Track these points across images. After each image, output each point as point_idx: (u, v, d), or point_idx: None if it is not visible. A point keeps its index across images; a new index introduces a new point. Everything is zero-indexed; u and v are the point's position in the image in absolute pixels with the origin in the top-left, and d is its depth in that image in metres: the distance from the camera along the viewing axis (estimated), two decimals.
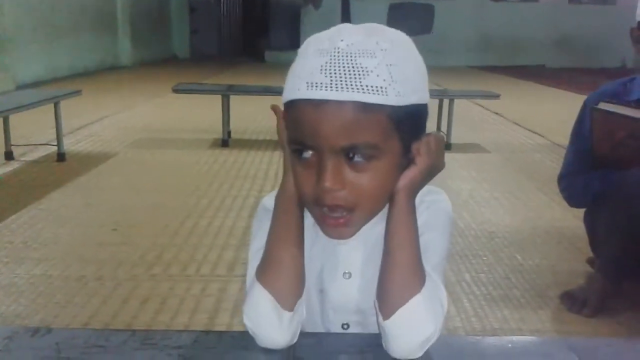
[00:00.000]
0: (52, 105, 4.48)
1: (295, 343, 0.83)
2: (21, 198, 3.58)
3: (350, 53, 0.74)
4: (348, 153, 0.76)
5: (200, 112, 6.63)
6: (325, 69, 0.74)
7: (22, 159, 4.56)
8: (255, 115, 6.42)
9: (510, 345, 0.85)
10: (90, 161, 4.56)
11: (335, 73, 0.73)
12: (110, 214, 3.36)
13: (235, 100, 5.49)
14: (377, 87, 0.73)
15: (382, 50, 0.75)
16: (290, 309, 0.82)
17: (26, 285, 2.46)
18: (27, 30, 8.93)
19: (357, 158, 0.76)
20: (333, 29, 0.79)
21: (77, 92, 4.86)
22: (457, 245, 3.00)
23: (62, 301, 2.34)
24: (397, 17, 15.32)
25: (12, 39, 8.34)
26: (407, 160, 0.81)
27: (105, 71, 11.56)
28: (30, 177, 4.10)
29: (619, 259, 2.25)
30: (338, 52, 0.74)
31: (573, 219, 3.28)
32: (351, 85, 0.73)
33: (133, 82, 10.26)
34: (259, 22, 17.58)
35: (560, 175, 2.56)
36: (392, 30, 0.81)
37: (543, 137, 5.91)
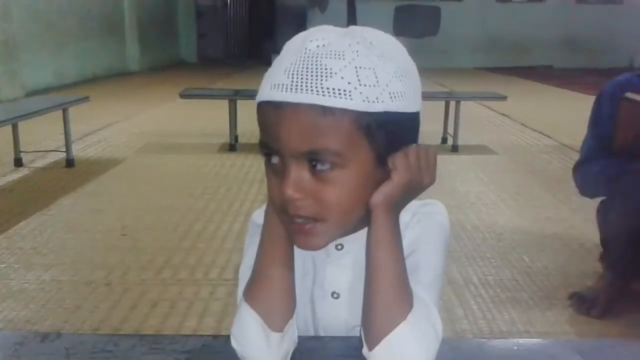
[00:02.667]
0: (61, 111, 4.51)
1: (299, 348, 0.81)
2: (30, 204, 3.61)
3: (317, 54, 0.70)
4: (311, 160, 0.71)
5: (207, 117, 6.65)
6: (289, 70, 0.70)
7: (32, 165, 4.59)
8: None
9: (515, 347, 0.85)
10: (99, 167, 4.59)
11: (296, 74, 0.69)
12: (119, 219, 3.38)
13: (242, 104, 5.51)
14: (339, 90, 0.68)
15: (353, 51, 0.70)
16: (279, 329, 0.77)
17: (36, 291, 2.48)
18: (36, 37, 8.98)
19: (319, 166, 0.71)
20: (310, 29, 0.75)
21: (86, 99, 4.90)
22: (465, 248, 3.00)
23: (72, 306, 2.36)
24: (404, 19, 15.32)
25: (20, 45, 8.39)
26: (383, 172, 0.74)
27: (114, 77, 11.61)
28: (39, 184, 4.12)
29: (630, 257, 2.25)
30: (305, 53, 0.70)
31: (581, 221, 3.27)
32: (310, 87, 0.68)
33: (141, 88, 10.31)
34: (265, 26, 17.62)
35: (575, 165, 2.54)
36: (379, 33, 0.76)
37: (550, 138, 5.89)
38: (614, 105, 2.33)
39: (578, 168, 2.53)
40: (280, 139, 0.71)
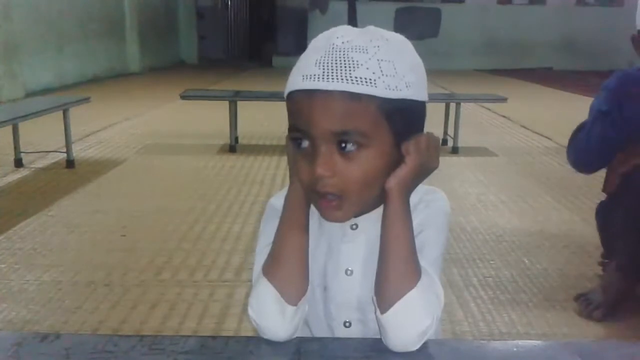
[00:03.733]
0: (61, 112, 4.51)
1: (300, 349, 0.83)
2: (31, 205, 3.61)
3: (344, 49, 0.80)
4: (340, 142, 0.81)
5: (207, 118, 6.65)
6: (319, 62, 0.80)
7: (32, 166, 4.59)
8: (262, 120, 6.44)
9: (515, 349, 0.85)
10: (99, 168, 4.59)
11: (327, 65, 0.80)
12: (119, 220, 3.38)
13: (242, 105, 5.51)
14: (365, 78, 0.79)
15: (374, 47, 0.81)
16: (294, 303, 0.86)
17: (36, 292, 2.48)
18: (36, 38, 8.99)
19: (348, 147, 0.81)
20: (332, 29, 0.85)
21: (86, 99, 4.89)
22: (465, 249, 3.00)
23: (72, 307, 2.36)
24: (404, 21, 15.32)
25: (21, 46, 8.39)
26: (398, 155, 0.84)
27: (114, 78, 11.61)
28: (39, 184, 4.12)
29: (638, 259, 2.24)
30: (332, 48, 0.81)
31: (581, 222, 3.27)
32: (340, 76, 0.79)
33: (141, 89, 10.31)
34: (266, 27, 17.64)
35: (571, 135, 2.44)
36: (390, 32, 0.86)
37: (551, 140, 5.89)
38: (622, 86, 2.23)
39: (574, 136, 2.39)
40: (312, 122, 0.81)
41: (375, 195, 0.87)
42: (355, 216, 0.90)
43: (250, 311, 0.88)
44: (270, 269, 0.88)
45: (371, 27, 0.86)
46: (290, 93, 0.84)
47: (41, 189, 3.99)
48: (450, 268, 2.74)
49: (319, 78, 0.80)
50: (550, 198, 3.93)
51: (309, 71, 0.81)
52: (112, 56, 12.06)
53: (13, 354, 0.80)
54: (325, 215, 0.86)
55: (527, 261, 2.88)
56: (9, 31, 8.08)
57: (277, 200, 0.95)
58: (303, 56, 0.85)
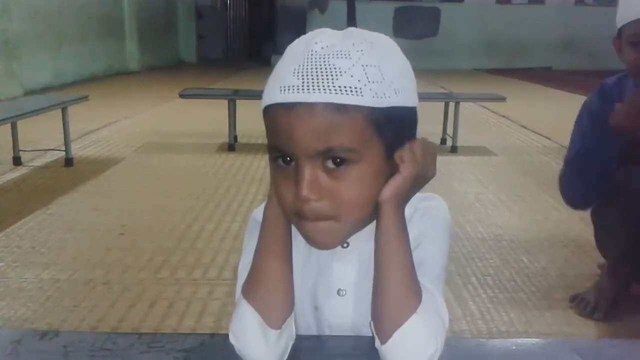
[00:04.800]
0: (60, 110, 4.50)
1: (297, 346, 0.82)
2: (29, 203, 3.61)
3: (324, 55, 0.72)
4: (325, 159, 0.73)
5: (206, 117, 6.65)
6: (298, 72, 0.72)
7: (30, 164, 4.59)
8: (261, 119, 6.40)
9: (514, 347, 0.85)
10: (97, 166, 4.59)
11: (306, 75, 0.71)
12: (118, 219, 3.37)
13: (241, 104, 5.51)
14: (350, 87, 0.71)
15: (358, 51, 0.73)
16: (277, 327, 0.78)
17: (34, 290, 2.48)
18: (35, 36, 8.97)
19: (334, 164, 0.73)
20: (310, 32, 0.77)
21: (85, 98, 4.89)
22: (464, 248, 3.00)
23: (70, 305, 2.36)
24: (403, 20, 15.32)
25: (19, 45, 8.38)
26: (390, 167, 0.77)
27: (113, 77, 11.60)
28: (38, 182, 4.12)
29: (630, 260, 2.24)
30: (312, 55, 0.72)
31: (580, 222, 3.26)
32: (323, 86, 0.70)
33: (140, 88, 10.30)
34: (265, 26, 17.62)
35: (561, 171, 2.47)
36: (374, 33, 0.78)
37: (550, 139, 5.89)
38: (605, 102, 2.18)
39: (562, 173, 2.44)
40: (294, 139, 0.72)
41: (371, 213, 0.78)
42: (352, 234, 0.82)
43: (231, 338, 0.80)
44: (249, 290, 0.80)
45: (353, 29, 0.78)
46: (267, 107, 0.76)
47: (40, 187, 3.99)
48: (450, 267, 2.74)
49: (298, 89, 0.71)
50: (549, 197, 3.93)
51: (286, 82, 0.72)
52: (111, 55, 12.05)
53: (12, 351, 0.80)
54: (313, 242, 0.78)
55: (526, 260, 2.88)
56: (8, 30, 8.07)
57: (261, 212, 0.85)
58: (279, 65, 0.76)
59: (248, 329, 0.78)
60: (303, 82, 0.71)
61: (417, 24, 15.43)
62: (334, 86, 0.70)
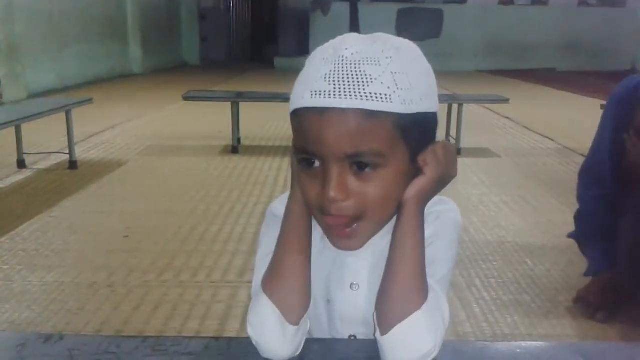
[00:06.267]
0: (64, 113, 4.52)
1: (304, 349, 0.83)
2: (33, 206, 3.61)
3: (355, 61, 0.74)
4: (353, 162, 0.75)
5: (210, 119, 6.66)
6: (329, 77, 0.74)
7: (34, 167, 4.60)
8: (264, 121, 6.44)
9: (518, 350, 0.85)
10: (101, 169, 4.60)
11: (338, 81, 0.73)
12: (122, 221, 3.38)
13: (244, 107, 5.52)
14: (381, 94, 0.73)
15: (387, 58, 0.75)
16: (296, 323, 0.81)
17: (38, 293, 2.49)
18: (39, 39, 9.00)
19: (362, 167, 0.76)
20: (339, 38, 0.79)
21: (89, 101, 4.90)
22: (468, 250, 3.00)
23: (74, 308, 2.36)
24: (406, 22, 15.32)
25: (23, 47, 8.41)
26: (414, 169, 0.80)
27: (116, 79, 11.63)
28: (42, 185, 4.13)
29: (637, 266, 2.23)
30: (342, 60, 0.74)
31: None
32: (355, 92, 0.73)
33: (144, 90, 10.32)
34: (268, 29, 17.66)
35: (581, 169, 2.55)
36: (399, 39, 0.80)
37: (553, 140, 5.88)
38: (624, 110, 2.25)
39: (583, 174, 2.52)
40: (324, 142, 0.75)
41: (392, 214, 0.81)
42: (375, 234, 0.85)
43: (249, 329, 0.82)
44: (270, 285, 0.83)
45: (380, 35, 0.80)
46: (297, 110, 0.78)
47: (44, 190, 4.00)
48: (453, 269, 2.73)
49: (330, 95, 0.73)
50: (553, 199, 3.93)
51: (318, 87, 0.74)
52: (114, 58, 12.08)
53: (16, 354, 0.80)
54: (337, 243, 0.82)
55: (530, 262, 2.87)
56: (12, 32, 8.10)
57: (278, 207, 0.89)
58: (308, 68, 0.78)
59: (267, 323, 0.81)
60: (335, 88, 0.73)
61: (419, 26, 15.43)
62: (365, 93, 0.73)
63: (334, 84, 0.73)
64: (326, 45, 0.79)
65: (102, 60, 11.42)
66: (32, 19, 8.79)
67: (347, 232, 0.80)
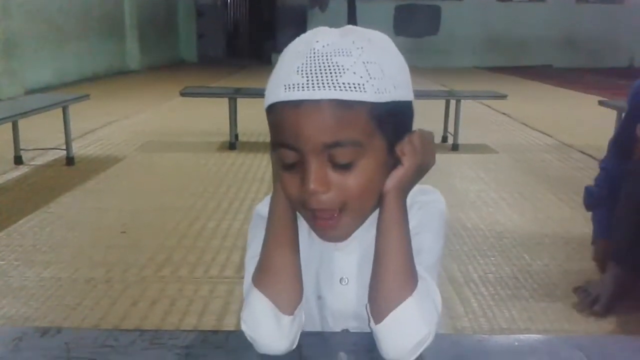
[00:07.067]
0: (61, 109, 4.51)
1: (300, 342, 0.83)
2: (30, 202, 3.61)
3: (326, 53, 0.75)
4: (331, 154, 0.76)
5: (207, 115, 6.65)
6: (302, 70, 0.74)
7: (32, 163, 4.59)
8: (262, 117, 6.34)
9: (517, 343, 0.85)
10: (98, 165, 4.59)
11: (311, 73, 0.74)
12: (119, 217, 3.37)
13: (242, 103, 5.51)
14: (354, 84, 0.74)
15: (358, 48, 0.75)
16: (290, 312, 0.81)
17: (36, 288, 2.48)
18: (35, 35, 8.98)
19: (340, 158, 0.76)
20: (309, 32, 0.80)
21: (86, 97, 4.89)
22: (465, 246, 3.00)
23: (72, 303, 2.36)
24: (404, 19, 15.31)
25: (20, 44, 8.39)
26: (393, 159, 0.80)
27: (114, 76, 11.61)
28: (39, 181, 4.12)
29: (635, 248, 2.26)
30: (314, 53, 0.75)
31: (582, 219, 3.27)
32: (327, 83, 0.73)
33: (141, 87, 10.31)
34: (265, 25, 17.63)
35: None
36: (369, 30, 0.81)
37: (551, 137, 5.89)
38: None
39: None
40: (302, 135, 0.75)
41: (374, 205, 0.82)
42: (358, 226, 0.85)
43: (243, 326, 0.82)
44: (260, 280, 0.83)
45: (351, 27, 0.81)
46: (272, 105, 0.78)
47: (41, 186, 3.99)
48: (451, 264, 2.74)
49: (303, 87, 0.74)
50: (551, 195, 3.93)
51: (291, 80, 0.75)
52: (111, 54, 12.06)
53: (13, 348, 0.80)
54: (322, 235, 0.82)
55: (527, 257, 2.87)
56: (9, 29, 8.07)
57: (264, 208, 0.89)
58: (281, 63, 0.79)
59: (260, 317, 0.81)
60: (308, 80, 0.74)
61: (417, 22, 15.43)
62: (338, 83, 0.73)
63: (307, 77, 0.74)
64: (297, 40, 0.80)
65: (99, 57, 11.40)
66: (29, 15, 8.77)
67: (330, 223, 0.79)
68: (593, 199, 2.66)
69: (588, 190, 2.71)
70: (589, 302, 2.32)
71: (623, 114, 2.74)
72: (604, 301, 2.29)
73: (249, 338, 0.82)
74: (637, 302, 2.37)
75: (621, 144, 2.58)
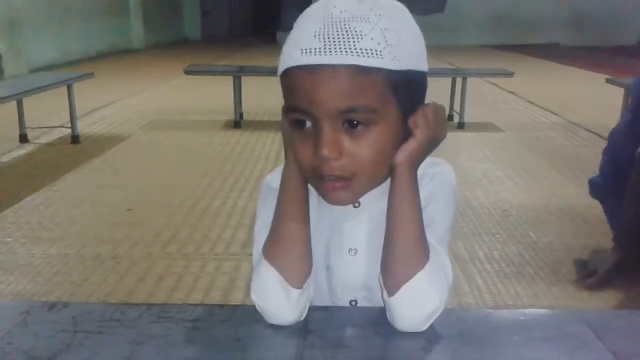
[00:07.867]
0: (66, 88, 4.50)
1: (306, 316, 0.83)
2: (36, 180, 3.62)
3: (344, 18, 0.74)
4: (345, 120, 0.75)
5: (212, 94, 6.63)
6: (319, 35, 0.74)
7: (37, 141, 4.59)
8: (267, 96, 6.40)
9: (522, 317, 0.85)
10: (104, 143, 4.59)
11: (329, 38, 0.73)
12: (125, 195, 3.38)
13: (246, 81, 5.49)
14: (371, 49, 0.73)
15: (375, 15, 0.75)
16: (299, 286, 0.81)
17: (42, 265, 2.50)
18: (40, 14, 8.93)
19: (354, 124, 0.76)
20: None
21: (90, 75, 4.88)
22: (471, 223, 3.00)
23: (78, 280, 2.37)
24: None
25: (24, 22, 8.35)
26: (405, 130, 0.80)
27: (118, 54, 11.56)
28: (44, 159, 4.13)
29: (635, 229, 2.26)
30: (332, 18, 0.74)
31: (587, 197, 3.26)
32: (345, 48, 0.72)
33: (145, 65, 10.27)
34: (270, 3, 17.47)
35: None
36: (386, 0, 0.80)
37: (557, 115, 5.85)
38: None
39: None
40: (316, 100, 0.75)
41: (384, 174, 0.82)
42: (367, 192, 0.85)
43: (253, 296, 0.83)
44: (271, 252, 0.83)
45: None
46: (287, 70, 0.77)
47: (46, 165, 4.00)
48: (456, 242, 2.74)
49: (321, 51, 0.73)
50: (557, 173, 3.92)
51: (308, 44, 0.74)
52: (115, 32, 12.00)
53: (21, 322, 0.80)
54: (329, 198, 0.81)
55: (533, 235, 2.87)
56: (12, 7, 8.03)
57: (274, 179, 0.89)
58: (297, 28, 0.78)
59: (270, 289, 0.81)
60: (325, 45, 0.73)
61: (424, 0, 15.27)
62: (355, 49, 0.73)
63: (324, 41, 0.73)
64: (314, 5, 0.79)
65: (103, 35, 11.34)
66: None
67: (339, 186, 0.79)
68: (599, 191, 2.60)
69: (592, 183, 2.64)
70: (584, 274, 2.34)
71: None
72: (599, 276, 2.30)
73: (257, 308, 0.82)
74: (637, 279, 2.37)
75: (637, 129, 2.48)
